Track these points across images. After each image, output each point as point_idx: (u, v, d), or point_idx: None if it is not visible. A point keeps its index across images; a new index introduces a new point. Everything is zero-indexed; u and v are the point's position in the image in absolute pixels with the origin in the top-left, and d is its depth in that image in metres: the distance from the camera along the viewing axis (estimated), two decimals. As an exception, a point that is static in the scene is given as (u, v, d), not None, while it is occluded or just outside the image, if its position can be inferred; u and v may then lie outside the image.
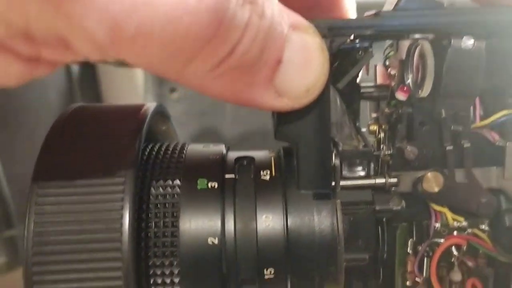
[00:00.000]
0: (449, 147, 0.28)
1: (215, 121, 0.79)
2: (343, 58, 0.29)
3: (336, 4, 0.34)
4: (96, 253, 0.24)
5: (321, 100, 0.26)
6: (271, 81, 0.23)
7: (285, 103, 0.25)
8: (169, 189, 0.27)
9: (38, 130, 0.80)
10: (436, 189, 0.28)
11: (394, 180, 0.29)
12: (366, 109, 0.35)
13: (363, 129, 0.34)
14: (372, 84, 0.34)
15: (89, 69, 0.83)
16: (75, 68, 0.80)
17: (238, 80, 0.22)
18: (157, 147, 0.30)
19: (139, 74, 0.80)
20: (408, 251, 0.30)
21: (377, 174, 0.30)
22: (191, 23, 0.19)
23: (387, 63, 0.33)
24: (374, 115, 0.34)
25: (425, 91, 0.28)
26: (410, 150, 0.28)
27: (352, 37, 0.28)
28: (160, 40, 0.20)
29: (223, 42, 0.21)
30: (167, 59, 0.21)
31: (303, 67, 0.24)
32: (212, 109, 0.79)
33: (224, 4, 0.20)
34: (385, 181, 0.29)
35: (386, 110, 0.32)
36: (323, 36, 0.25)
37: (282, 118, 0.27)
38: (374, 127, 0.33)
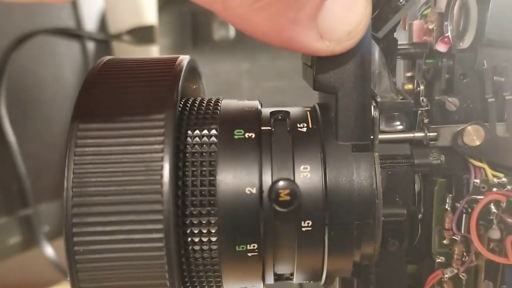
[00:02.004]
0: (491, 99, 0.28)
1: (231, 101, 0.78)
2: (383, 6, 0.28)
3: None
4: (136, 205, 0.24)
5: (362, 48, 0.26)
6: (314, 20, 0.23)
7: (326, 46, 0.24)
8: (205, 139, 0.27)
9: (53, 108, 0.80)
10: (477, 143, 0.28)
11: (433, 134, 0.29)
12: (400, 70, 0.34)
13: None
14: (408, 42, 0.33)
15: (104, 47, 0.82)
16: (91, 46, 0.80)
17: (282, 15, 0.22)
18: (191, 100, 0.30)
19: (154, 52, 0.79)
20: (446, 207, 0.29)
21: (415, 128, 0.29)
22: None
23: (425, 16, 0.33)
24: (408, 74, 0.33)
25: (466, 42, 0.28)
26: (452, 101, 0.28)
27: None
28: None
29: None
30: None
31: (346, 8, 0.23)
32: (228, 88, 0.78)
33: None
34: (424, 135, 0.29)
35: (423, 66, 0.31)
36: None
37: (321, 66, 0.26)
38: (409, 86, 0.33)
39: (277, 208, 0.25)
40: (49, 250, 0.73)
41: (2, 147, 0.69)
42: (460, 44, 0.28)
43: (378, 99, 0.28)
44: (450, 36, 0.29)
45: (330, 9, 0.23)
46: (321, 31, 0.23)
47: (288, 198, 0.25)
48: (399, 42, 0.32)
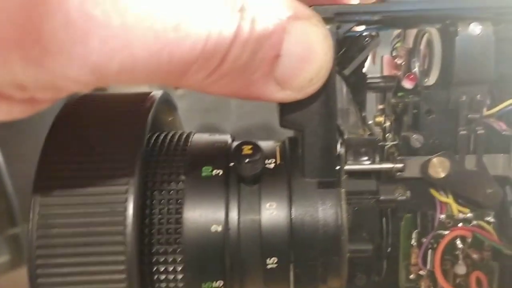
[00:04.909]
0: (462, 132, 0.28)
1: (219, 118, 0.79)
2: (350, 45, 0.29)
3: None
4: (100, 247, 0.24)
5: (327, 87, 0.26)
6: (271, 76, 0.23)
7: (288, 95, 0.24)
8: (174, 176, 0.27)
9: (41, 127, 0.80)
10: (442, 175, 0.28)
11: (400, 165, 0.29)
12: (372, 101, 0.35)
13: (369, 122, 0.33)
14: (378, 75, 0.34)
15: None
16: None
17: (236, 80, 0.22)
18: (162, 135, 0.30)
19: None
20: (412, 243, 0.29)
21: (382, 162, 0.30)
22: (173, 53, 0.20)
23: (394, 53, 0.33)
24: (380, 106, 0.34)
25: (432, 79, 0.28)
26: (416, 138, 0.28)
27: (359, 26, 0.28)
28: (145, 72, 0.20)
29: (211, 57, 0.21)
30: (157, 80, 0.21)
31: (304, 58, 0.23)
32: (216, 105, 0.78)
33: (206, 26, 0.20)
34: (391, 166, 0.29)
35: (392, 100, 0.31)
36: (330, 21, 0.25)
37: (287, 105, 0.27)
38: (380, 119, 0.33)
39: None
40: (37, 268, 0.73)
41: (-11, 166, 0.69)
42: (426, 80, 0.29)
43: (346, 135, 0.29)
44: (416, 73, 0.29)
45: (286, 62, 0.23)
46: (280, 83, 0.23)
47: (250, 152, 0.27)
48: (370, 75, 0.32)
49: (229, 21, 0.20)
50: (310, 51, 0.23)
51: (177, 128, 0.35)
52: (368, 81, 0.32)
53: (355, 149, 0.29)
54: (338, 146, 0.28)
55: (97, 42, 0.18)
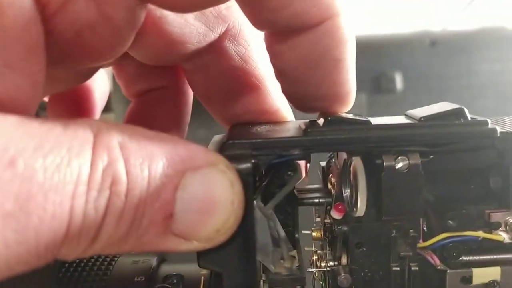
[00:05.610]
0: (395, 269, 0.27)
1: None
2: (271, 178, 0.27)
3: (257, 87, 0.32)
4: None
5: (244, 229, 0.24)
6: (167, 233, 0.21)
7: (196, 246, 0.22)
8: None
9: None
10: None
11: (329, 304, 0.27)
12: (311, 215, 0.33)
13: (307, 232, 0.32)
14: (315, 187, 0.32)
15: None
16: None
17: (126, 244, 0.20)
18: (82, 263, 0.29)
19: (111, 120, 0.78)
20: None
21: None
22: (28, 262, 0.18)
23: (330, 164, 0.31)
24: (318, 219, 0.32)
25: (359, 211, 0.26)
26: (344, 278, 0.26)
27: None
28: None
29: (78, 238, 0.19)
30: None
31: (204, 211, 0.21)
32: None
33: (62, 222, 0.18)
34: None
35: (327, 220, 0.30)
36: (247, 157, 0.23)
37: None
38: (317, 234, 0.31)
39: None
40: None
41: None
42: (354, 210, 0.27)
43: (272, 270, 0.27)
44: (346, 201, 0.28)
45: (183, 220, 0.21)
46: (182, 237, 0.22)
47: None
48: (303, 188, 0.31)
49: (93, 203, 0.19)
50: (211, 203, 0.21)
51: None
52: (300, 196, 0.30)
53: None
54: (261, 284, 0.26)
55: None
